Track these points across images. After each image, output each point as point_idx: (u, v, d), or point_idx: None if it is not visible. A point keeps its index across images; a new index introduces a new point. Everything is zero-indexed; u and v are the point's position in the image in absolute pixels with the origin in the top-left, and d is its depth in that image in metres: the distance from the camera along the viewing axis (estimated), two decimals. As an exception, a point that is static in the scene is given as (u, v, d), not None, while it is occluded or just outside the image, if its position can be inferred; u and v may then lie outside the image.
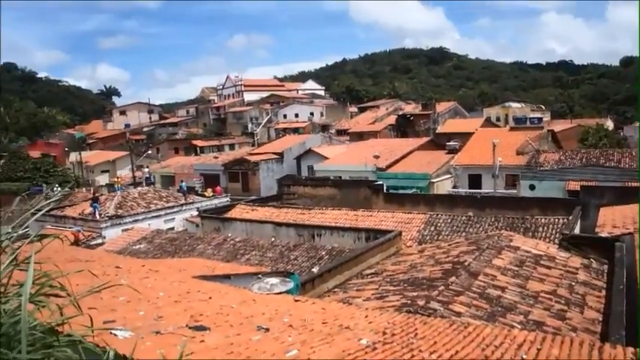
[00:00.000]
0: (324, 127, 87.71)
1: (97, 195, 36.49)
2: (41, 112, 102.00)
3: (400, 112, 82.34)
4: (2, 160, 53.71)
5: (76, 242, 26.43)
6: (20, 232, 3.45)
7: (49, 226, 28.49)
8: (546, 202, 26.46)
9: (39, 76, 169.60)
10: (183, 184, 42.10)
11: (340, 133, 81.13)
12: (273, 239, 21.85)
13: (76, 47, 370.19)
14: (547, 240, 18.71)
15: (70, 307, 2.71)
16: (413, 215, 25.20)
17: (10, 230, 3.30)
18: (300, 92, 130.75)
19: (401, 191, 36.55)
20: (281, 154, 56.63)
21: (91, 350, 2.51)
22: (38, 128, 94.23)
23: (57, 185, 47.00)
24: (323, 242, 20.87)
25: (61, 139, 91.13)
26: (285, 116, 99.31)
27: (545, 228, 21.23)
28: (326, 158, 50.95)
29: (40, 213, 3.55)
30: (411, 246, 20.06)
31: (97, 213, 31.38)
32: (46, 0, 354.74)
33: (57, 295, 2.80)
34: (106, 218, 30.83)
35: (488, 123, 66.94)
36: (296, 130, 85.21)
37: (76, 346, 2.44)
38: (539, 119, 51.63)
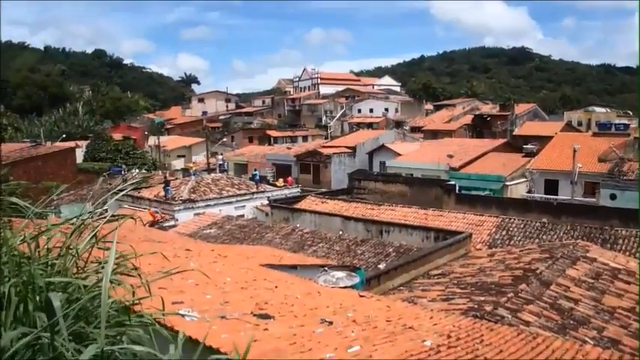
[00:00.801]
0: (399, 124, 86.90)
1: (169, 179, 37.59)
2: (125, 97, 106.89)
3: (477, 112, 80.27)
4: (88, 141, 56.22)
5: (153, 223, 27.37)
6: (100, 210, 3.60)
7: (126, 206, 29.65)
8: (628, 213, 25.10)
9: (125, 62, 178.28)
10: (257, 173, 42.65)
11: (414, 130, 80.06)
12: (340, 233, 21.86)
13: (160, 37, 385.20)
14: (627, 253, 17.83)
15: (142, 286, 2.80)
16: (484, 218, 24.62)
17: (91, 209, 3.44)
18: (375, 87, 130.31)
19: (473, 192, 35.78)
20: (353, 149, 56.52)
21: (161, 332, 2.58)
22: (121, 112, 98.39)
23: (137, 168, 48.84)
24: (391, 239, 20.69)
25: (141, 123, 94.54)
26: (359, 111, 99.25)
27: (626, 240, 20.09)
28: (399, 155, 50.46)
29: (122, 194, 3.69)
30: (480, 249, 19.60)
31: (168, 195, 32.37)
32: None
33: (130, 275, 2.90)
34: (180, 202, 31.75)
35: (569, 127, 64.24)
36: (370, 125, 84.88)
37: (147, 327, 2.52)
38: (626, 125, 48.91)
